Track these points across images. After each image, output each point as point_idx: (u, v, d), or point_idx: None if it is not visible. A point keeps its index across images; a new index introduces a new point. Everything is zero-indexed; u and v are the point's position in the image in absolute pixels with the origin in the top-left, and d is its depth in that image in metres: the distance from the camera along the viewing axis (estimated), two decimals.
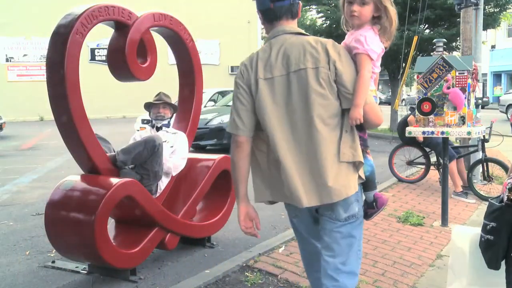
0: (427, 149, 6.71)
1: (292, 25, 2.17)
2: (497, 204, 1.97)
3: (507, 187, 1.95)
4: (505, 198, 1.92)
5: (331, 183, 2.01)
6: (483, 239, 2.01)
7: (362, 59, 2.08)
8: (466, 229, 2.55)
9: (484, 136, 5.83)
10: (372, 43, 2.10)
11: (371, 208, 2.28)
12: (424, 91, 4.78)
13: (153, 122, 4.17)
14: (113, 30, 3.59)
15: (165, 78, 11.75)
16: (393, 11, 2.14)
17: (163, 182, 3.94)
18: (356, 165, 2.08)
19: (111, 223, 3.72)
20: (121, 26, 3.48)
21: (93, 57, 23.69)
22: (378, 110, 2.14)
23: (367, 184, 2.23)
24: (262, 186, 2.19)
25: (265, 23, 2.20)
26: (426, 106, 4.74)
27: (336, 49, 2.06)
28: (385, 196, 2.36)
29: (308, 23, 18.63)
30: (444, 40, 5.91)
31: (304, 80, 2.02)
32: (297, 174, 2.05)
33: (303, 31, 2.19)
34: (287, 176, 2.05)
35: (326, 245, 2.17)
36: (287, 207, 2.29)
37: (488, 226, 1.96)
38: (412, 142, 6.56)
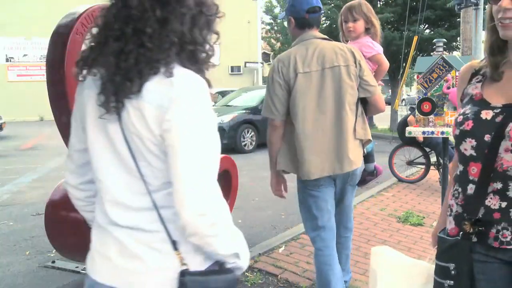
0: (427, 149, 6.70)
1: (318, 31, 2.67)
2: (451, 238, 1.47)
3: (449, 214, 1.52)
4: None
5: (351, 155, 2.53)
6: (444, 287, 1.46)
7: (378, 57, 2.96)
8: (386, 252, 2.06)
9: None
10: (376, 45, 2.90)
11: (371, 175, 3.01)
12: (424, 91, 4.78)
13: None
14: None
15: None
16: (377, 23, 2.95)
17: None
18: (364, 143, 2.65)
19: None
20: None
21: None
22: (383, 99, 2.75)
23: (368, 157, 2.85)
24: (287, 160, 2.62)
25: (295, 29, 2.66)
26: (426, 106, 4.73)
27: (358, 52, 2.65)
28: (381, 167, 3.17)
29: None
30: (444, 40, 5.91)
31: (337, 74, 2.53)
32: (324, 149, 2.52)
33: (328, 37, 2.70)
34: (312, 151, 2.52)
35: (346, 205, 2.84)
36: (308, 180, 2.62)
37: (450, 271, 1.45)
38: (412, 142, 6.55)
